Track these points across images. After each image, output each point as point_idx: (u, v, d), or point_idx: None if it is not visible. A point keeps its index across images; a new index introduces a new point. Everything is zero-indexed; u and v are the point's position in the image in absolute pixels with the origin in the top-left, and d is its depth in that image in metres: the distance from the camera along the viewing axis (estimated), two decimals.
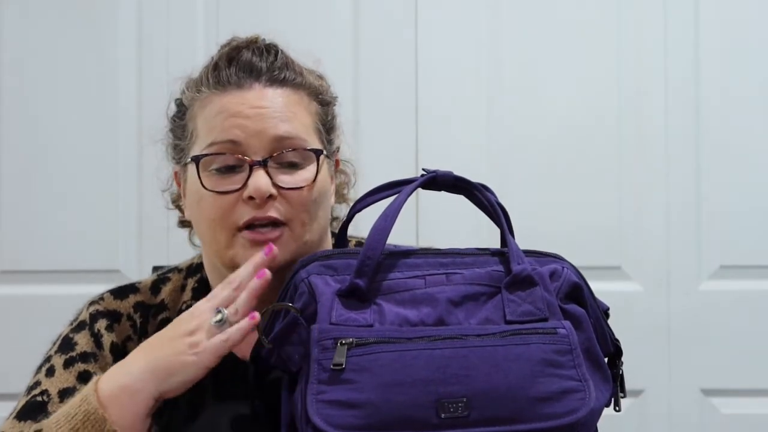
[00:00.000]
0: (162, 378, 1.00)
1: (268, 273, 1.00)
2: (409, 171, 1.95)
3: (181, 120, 1.19)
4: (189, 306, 1.20)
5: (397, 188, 1.07)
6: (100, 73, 2.02)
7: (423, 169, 1.08)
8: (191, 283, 1.24)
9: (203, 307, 1.03)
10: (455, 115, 2.00)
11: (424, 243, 1.91)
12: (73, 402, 1.04)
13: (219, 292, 1.04)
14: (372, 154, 1.98)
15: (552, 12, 2.00)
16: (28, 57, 2.03)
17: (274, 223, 1.10)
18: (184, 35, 2.01)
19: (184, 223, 1.30)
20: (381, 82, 2.01)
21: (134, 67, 2.02)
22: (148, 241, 1.99)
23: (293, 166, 1.12)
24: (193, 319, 1.03)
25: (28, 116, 2.03)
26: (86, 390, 1.04)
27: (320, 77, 1.23)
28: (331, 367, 0.91)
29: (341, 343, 0.92)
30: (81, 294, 1.28)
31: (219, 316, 1.00)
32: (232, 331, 0.99)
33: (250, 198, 1.09)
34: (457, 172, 1.08)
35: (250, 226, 1.10)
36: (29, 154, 2.02)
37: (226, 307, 1.02)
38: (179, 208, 1.27)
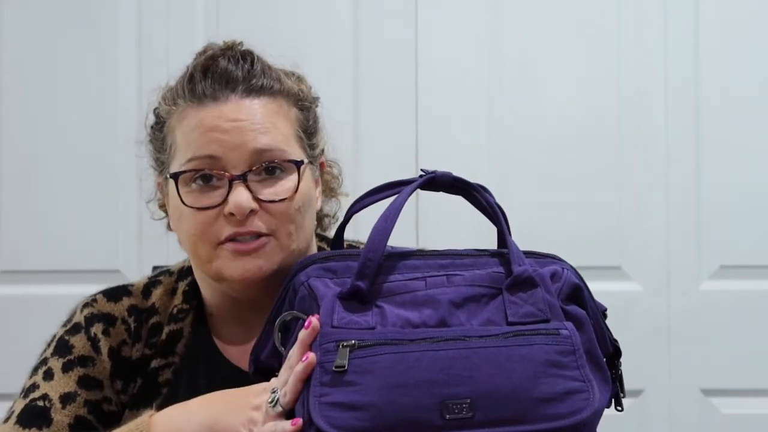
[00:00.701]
0: None
1: (311, 356, 0.93)
2: (409, 171, 1.95)
3: (159, 132, 1.17)
4: (180, 310, 1.20)
5: (396, 189, 1.06)
6: (100, 73, 2.02)
7: (421, 170, 1.07)
8: (182, 286, 1.23)
9: (270, 385, 1.00)
10: (455, 115, 2.00)
11: (424, 244, 1.91)
12: None
13: (281, 372, 0.99)
14: (372, 154, 1.98)
15: (552, 12, 2.00)
16: (28, 57, 2.03)
17: (258, 234, 1.09)
18: (184, 35, 2.01)
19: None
20: (381, 82, 2.01)
21: (134, 67, 2.02)
22: (148, 241, 1.99)
23: (274, 178, 1.10)
24: (262, 393, 0.99)
25: (28, 116, 2.03)
26: (137, 428, 1.03)
27: (300, 80, 1.20)
28: (334, 369, 0.91)
29: (343, 346, 0.92)
30: (81, 294, 1.27)
31: (271, 398, 0.97)
32: (278, 429, 0.95)
33: (231, 214, 1.08)
34: (457, 173, 1.08)
35: (232, 238, 1.09)
36: (29, 154, 2.03)
37: (281, 389, 0.97)
38: (168, 213, 1.26)
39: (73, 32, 2.03)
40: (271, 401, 0.96)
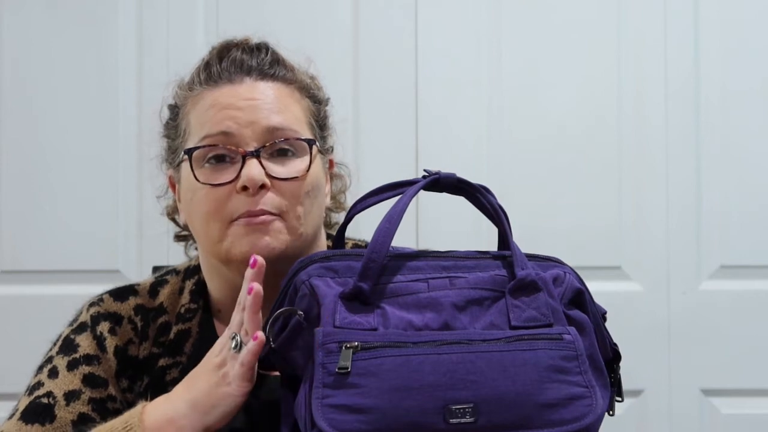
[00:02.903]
0: (204, 411, 1.01)
1: (257, 286, 0.99)
2: (409, 171, 1.95)
3: (174, 121, 1.19)
4: (188, 309, 1.21)
5: (399, 189, 1.06)
6: (100, 73, 2.02)
7: (425, 170, 1.07)
8: (189, 285, 1.23)
9: (225, 337, 1.04)
10: (455, 115, 2.00)
11: (424, 244, 1.91)
12: (114, 426, 1.03)
13: (233, 318, 1.04)
14: (372, 154, 1.98)
15: (552, 12, 2.00)
16: (28, 57, 2.03)
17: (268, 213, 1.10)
18: (184, 35, 2.01)
19: (179, 237, 1.30)
20: (381, 82, 2.01)
21: (134, 67, 2.02)
22: (148, 241, 1.99)
23: (286, 157, 1.12)
24: (221, 350, 1.03)
25: (28, 116, 2.03)
26: (130, 418, 1.03)
27: (312, 77, 1.23)
28: (336, 370, 0.90)
29: (346, 347, 0.91)
30: (81, 294, 1.27)
31: (234, 342, 1.01)
32: (243, 355, 0.99)
33: (244, 188, 1.09)
34: (457, 172, 1.08)
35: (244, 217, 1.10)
36: (29, 154, 2.02)
37: (240, 331, 1.02)
38: (174, 220, 1.27)
39: (73, 32, 2.03)
40: (235, 346, 1.00)
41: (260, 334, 0.97)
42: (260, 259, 1.01)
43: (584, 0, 2.00)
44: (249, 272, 1.01)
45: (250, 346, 0.98)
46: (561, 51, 2.00)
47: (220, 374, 1.01)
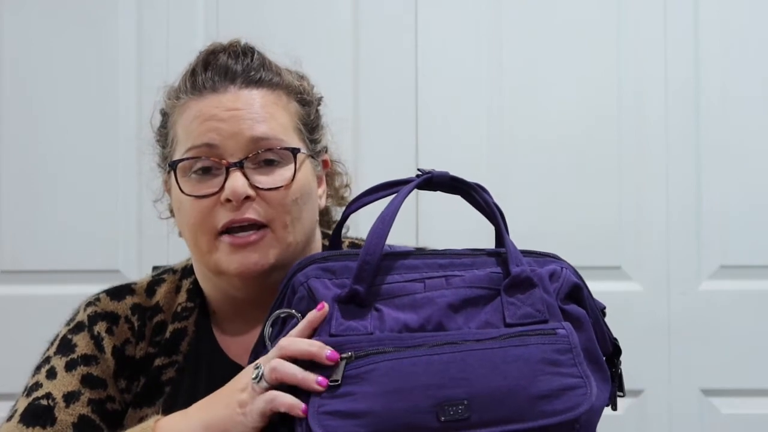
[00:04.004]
0: None
1: (332, 353, 0.92)
2: (410, 171, 1.93)
3: (164, 128, 1.20)
4: (184, 308, 1.21)
5: (393, 189, 1.05)
6: (100, 73, 2.02)
7: (418, 170, 1.07)
8: (186, 284, 1.23)
9: (252, 365, 0.98)
10: (455, 115, 2.00)
11: (424, 243, 1.91)
12: None
13: (273, 351, 0.96)
14: (372, 154, 1.98)
15: (552, 12, 2.00)
16: (28, 57, 2.03)
17: (255, 225, 1.10)
18: (184, 35, 2.01)
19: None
20: (381, 82, 2.01)
21: (134, 67, 2.02)
22: (148, 241, 1.99)
23: (271, 167, 1.12)
24: (246, 374, 0.98)
25: (28, 116, 2.03)
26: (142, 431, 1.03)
27: (301, 77, 1.22)
28: (329, 382, 0.91)
29: (340, 358, 0.92)
30: (81, 294, 1.27)
31: (255, 373, 0.94)
32: (279, 400, 0.92)
33: (228, 200, 1.09)
34: (457, 173, 1.08)
35: (230, 229, 1.10)
36: (29, 154, 2.03)
37: (265, 363, 0.95)
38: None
39: (73, 32, 2.03)
40: (255, 377, 0.94)
41: (301, 406, 0.91)
42: (326, 306, 0.95)
43: (584, 0, 2.00)
44: (313, 315, 0.95)
45: (293, 402, 0.91)
46: (561, 51, 2.00)
47: (237, 400, 0.96)
